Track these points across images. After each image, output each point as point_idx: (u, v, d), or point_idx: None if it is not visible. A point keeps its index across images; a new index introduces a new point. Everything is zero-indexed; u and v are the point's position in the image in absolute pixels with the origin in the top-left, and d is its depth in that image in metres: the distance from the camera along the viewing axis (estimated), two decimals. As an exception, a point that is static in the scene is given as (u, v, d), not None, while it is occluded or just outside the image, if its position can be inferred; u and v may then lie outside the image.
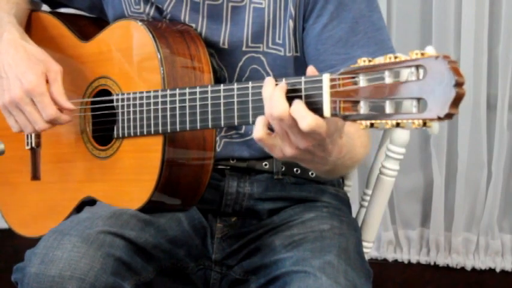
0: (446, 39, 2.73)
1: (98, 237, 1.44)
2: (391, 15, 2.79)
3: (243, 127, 1.66)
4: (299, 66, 1.62)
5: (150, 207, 1.55)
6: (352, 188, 2.19)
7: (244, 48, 1.63)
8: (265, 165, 1.68)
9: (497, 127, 2.77)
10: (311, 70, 1.27)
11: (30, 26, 1.79)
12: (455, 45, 2.74)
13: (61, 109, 1.58)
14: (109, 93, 1.62)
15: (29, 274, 1.42)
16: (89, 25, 1.79)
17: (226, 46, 1.63)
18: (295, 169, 1.70)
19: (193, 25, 1.64)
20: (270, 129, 1.28)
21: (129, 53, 1.60)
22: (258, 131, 1.27)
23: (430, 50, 1.05)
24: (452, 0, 2.72)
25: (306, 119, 1.20)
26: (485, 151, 2.80)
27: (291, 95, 1.24)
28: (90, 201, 1.66)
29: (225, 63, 1.65)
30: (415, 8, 2.82)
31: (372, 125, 1.11)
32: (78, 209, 1.67)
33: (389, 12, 2.79)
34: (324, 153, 1.29)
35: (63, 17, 1.78)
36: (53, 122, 1.57)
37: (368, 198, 1.85)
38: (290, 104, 1.23)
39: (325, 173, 1.48)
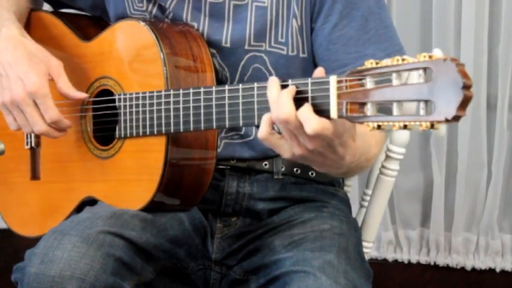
0: (446, 39, 2.73)
1: (98, 237, 1.44)
2: (391, 15, 2.78)
3: (243, 128, 1.66)
4: (306, 68, 1.62)
5: (152, 208, 1.55)
6: (352, 188, 2.19)
7: (246, 47, 1.62)
8: (265, 165, 1.68)
9: (497, 127, 2.77)
10: (319, 72, 1.27)
11: (30, 26, 1.79)
12: (455, 45, 2.74)
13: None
14: (111, 94, 1.62)
15: (29, 274, 1.41)
16: (90, 25, 1.79)
17: (228, 45, 1.63)
18: (295, 169, 1.70)
19: (195, 24, 1.64)
20: (278, 131, 1.28)
21: (132, 53, 1.60)
22: (262, 130, 1.28)
23: (437, 53, 1.05)
24: (452, 0, 2.72)
25: (311, 123, 1.20)
26: (485, 151, 2.80)
27: (298, 97, 1.25)
28: (90, 201, 1.65)
29: (227, 62, 1.64)
30: (415, 8, 2.82)
31: (379, 126, 1.11)
32: (79, 209, 1.66)
33: (390, 13, 2.78)
34: (335, 155, 1.29)
35: (64, 17, 1.77)
36: (54, 125, 1.57)
37: (368, 198, 1.86)
38: (297, 106, 1.23)
39: (341, 175, 1.48)
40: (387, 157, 1.78)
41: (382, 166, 1.79)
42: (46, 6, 1.88)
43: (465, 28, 2.71)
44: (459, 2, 2.73)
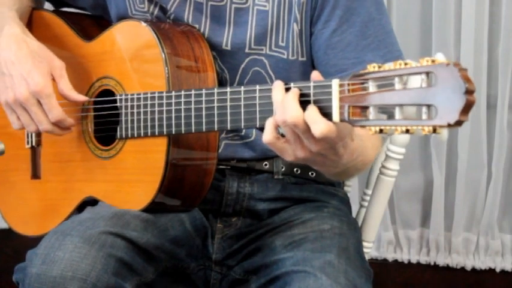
0: (446, 39, 2.72)
1: (99, 237, 1.44)
2: (391, 15, 2.78)
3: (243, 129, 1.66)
4: (305, 71, 1.61)
5: (153, 208, 1.55)
6: (352, 188, 2.19)
7: (246, 50, 1.62)
8: (265, 165, 1.68)
9: (497, 127, 2.76)
10: (316, 75, 1.27)
11: (32, 25, 1.79)
12: (455, 45, 2.73)
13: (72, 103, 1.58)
14: (112, 94, 1.61)
15: (30, 274, 1.42)
16: (92, 25, 1.78)
17: (228, 48, 1.63)
18: (295, 169, 1.70)
19: (197, 25, 1.64)
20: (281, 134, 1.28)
21: (133, 54, 1.60)
22: (268, 134, 1.27)
23: (440, 57, 1.05)
24: (452, 0, 2.72)
25: (319, 125, 1.20)
26: (485, 151, 2.80)
27: (300, 100, 1.24)
28: (91, 201, 1.65)
29: (227, 65, 1.64)
30: (415, 8, 2.81)
31: (381, 130, 1.11)
32: (80, 209, 1.67)
33: (390, 13, 2.78)
34: (336, 156, 1.29)
35: (65, 16, 1.77)
36: (58, 124, 1.57)
37: (368, 198, 1.86)
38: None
39: (336, 175, 1.48)
40: (387, 157, 1.78)
41: (382, 166, 1.79)
42: (47, 5, 1.88)
43: (465, 28, 2.71)
44: (459, 2, 2.72)
